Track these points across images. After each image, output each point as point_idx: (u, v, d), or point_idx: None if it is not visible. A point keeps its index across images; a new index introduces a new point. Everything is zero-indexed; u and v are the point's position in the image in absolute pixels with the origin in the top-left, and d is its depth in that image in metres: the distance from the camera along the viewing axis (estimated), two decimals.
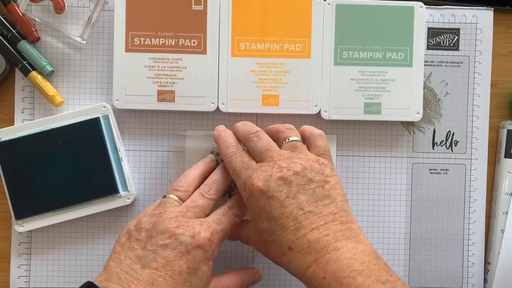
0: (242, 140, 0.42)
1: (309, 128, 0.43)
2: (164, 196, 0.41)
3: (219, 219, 0.40)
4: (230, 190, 0.47)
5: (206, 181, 0.42)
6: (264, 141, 0.41)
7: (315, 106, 0.48)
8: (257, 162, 0.40)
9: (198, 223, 0.39)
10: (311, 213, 0.37)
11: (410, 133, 0.50)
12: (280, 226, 0.37)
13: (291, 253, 0.37)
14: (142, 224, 0.39)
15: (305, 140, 0.43)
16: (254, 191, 0.38)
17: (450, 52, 0.50)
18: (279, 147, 0.42)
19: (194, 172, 0.43)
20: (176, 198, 0.41)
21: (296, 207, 0.37)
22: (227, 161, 0.41)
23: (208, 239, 0.38)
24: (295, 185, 0.38)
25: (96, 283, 0.36)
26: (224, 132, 0.43)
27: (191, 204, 0.40)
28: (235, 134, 0.43)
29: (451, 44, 0.50)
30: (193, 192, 0.42)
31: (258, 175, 0.38)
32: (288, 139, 0.42)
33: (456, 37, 0.50)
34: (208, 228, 0.39)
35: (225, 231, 0.40)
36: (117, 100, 0.47)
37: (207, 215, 0.41)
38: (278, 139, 0.43)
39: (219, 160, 0.46)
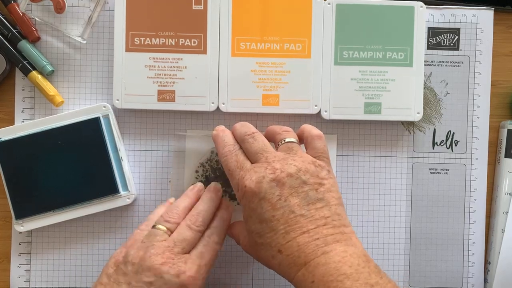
0: (239, 141, 0.42)
1: (308, 128, 0.42)
2: (154, 226, 0.40)
3: (201, 253, 0.40)
4: (231, 191, 0.47)
5: (193, 211, 0.41)
6: (260, 142, 0.41)
7: (315, 106, 0.47)
8: (252, 163, 0.40)
9: (183, 261, 0.38)
10: (302, 217, 0.37)
11: (410, 133, 0.50)
12: (271, 228, 0.37)
13: (280, 256, 0.37)
14: (129, 257, 0.39)
15: (303, 140, 0.43)
16: (246, 192, 0.38)
17: (450, 52, 0.50)
18: (276, 149, 0.41)
19: (184, 203, 0.42)
20: (165, 229, 0.40)
21: (287, 210, 0.37)
22: (223, 161, 0.41)
23: (193, 277, 0.38)
24: (288, 187, 0.37)
25: None
26: (222, 132, 0.43)
27: (178, 238, 0.39)
28: (234, 134, 0.43)
29: (451, 44, 0.50)
30: None
31: (251, 176, 0.38)
32: (284, 140, 0.41)
33: (456, 37, 0.50)
34: (192, 265, 0.38)
35: (208, 264, 0.40)
36: (117, 100, 0.47)
37: (193, 247, 0.40)
38: (275, 141, 0.42)
39: (218, 160, 0.46)
